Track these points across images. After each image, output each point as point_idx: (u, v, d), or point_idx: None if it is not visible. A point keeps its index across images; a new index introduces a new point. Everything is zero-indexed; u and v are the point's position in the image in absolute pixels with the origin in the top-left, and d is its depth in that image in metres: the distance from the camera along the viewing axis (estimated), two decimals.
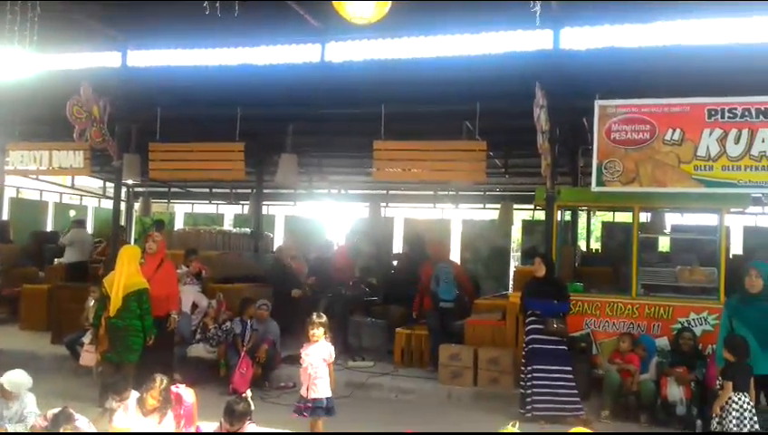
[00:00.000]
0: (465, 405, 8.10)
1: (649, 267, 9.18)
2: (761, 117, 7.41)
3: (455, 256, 15.18)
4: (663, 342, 8.14)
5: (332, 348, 6.31)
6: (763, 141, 7.40)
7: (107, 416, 5.90)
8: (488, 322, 9.27)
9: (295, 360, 7.13)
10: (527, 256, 14.55)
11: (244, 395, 5.58)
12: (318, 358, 6.13)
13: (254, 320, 8.76)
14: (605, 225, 16.97)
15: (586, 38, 8.84)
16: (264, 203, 16.95)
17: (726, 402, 5.92)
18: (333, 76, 9.65)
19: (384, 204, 17.69)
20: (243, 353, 8.08)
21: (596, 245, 17.99)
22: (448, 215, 18.29)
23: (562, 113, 8.52)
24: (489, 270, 15.56)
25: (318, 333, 6.18)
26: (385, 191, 17.45)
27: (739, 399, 5.91)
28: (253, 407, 5.41)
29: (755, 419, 5.87)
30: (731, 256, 13.29)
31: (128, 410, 5.70)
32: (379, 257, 15.19)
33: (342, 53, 9.89)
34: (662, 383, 7.44)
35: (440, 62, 9.19)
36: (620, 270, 10.01)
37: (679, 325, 8.15)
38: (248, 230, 15.69)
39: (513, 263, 17.15)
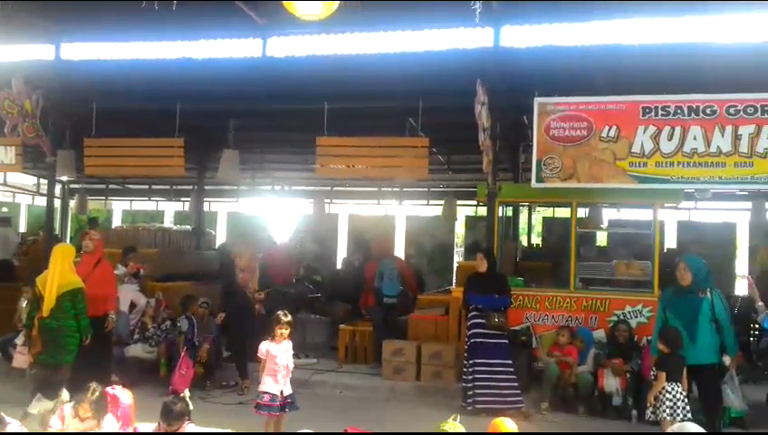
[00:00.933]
0: (408, 400, 8.15)
1: (587, 262, 9.41)
2: (692, 115, 7.65)
3: (399, 252, 15.31)
4: (600, 334, 8.33)
5: None
6: (694, 139, 7.64)
7: (35, 420, 5.70)
8: (431, 317, 9.35)
9: (252, 358, 7.11)
10: (470, 251, 14.72)
11: (182, 395, 5.48)
12: (289, 355, 6.23)
13: (197, 317, 8.63)
14: (546, 220, 17.31)
15: (526, 36, 8.98)
16: (206, 199, 16.66)
17: (660, 392, 6.10)
18: (275, 71, 9.55)
19: (328, 200, 17.62)
20: (183, 353, 7.93)
21: (537, 240, 18.30)
22: (393, 211, 18.36)
23: (503, 110, 8.62)
24: (433, 266, 15.73)
25: (286, 331, 6.25)
26: (329, 187, 17.37)
27: (672, 389, 6.09)
28: (191, 407, 5.30)
29: (688, 408, 6.06)
30: (665, 250, 13.77)
31: (63, 415, 5.54)
32: (323, 254, 15.14)
33: (285, 48, 9.80)
34: (599, 375, 7.63)
35: (383, 59, 9.19)
36: (560, 265, 10.21)
37: (615, 318, 8.36)
38: (189, 227, 15.40)
39: (457, 258, 17.33)
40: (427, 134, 9.11)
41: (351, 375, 8.89)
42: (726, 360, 6.46)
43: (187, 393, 5.65)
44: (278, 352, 6.18)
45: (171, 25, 9.21)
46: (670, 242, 15.30)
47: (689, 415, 6.03)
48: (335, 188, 17.35)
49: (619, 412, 7.48)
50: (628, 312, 8.43)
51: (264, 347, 6.22)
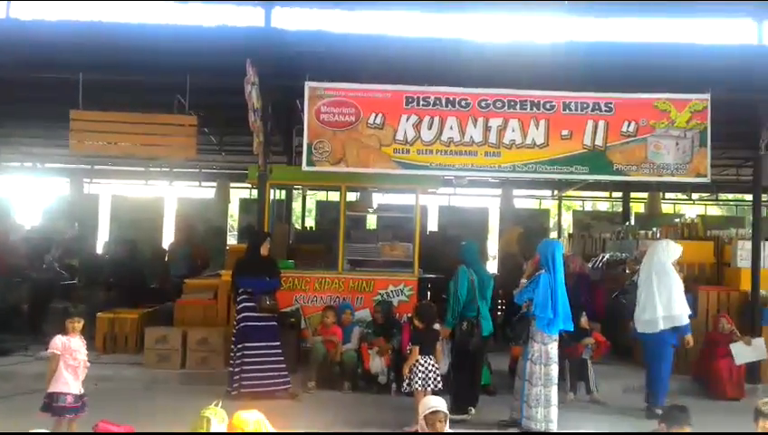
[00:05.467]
0: (171, 388, 7.83)
1: (357, 244, 9.75)
2: (449, 106, 8.17)
3: (169, 234, 14.69)
4: (365, 313, 8.69)
5: None
6: (451, 128, 8.17)
7: None
8: (199, 302, 9.09)
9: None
10: (243, 234, 14.56)
11: None
12: (84, 352, 5.76)
13: None
14: (319, 204, 17.64)
15: (298, 19, 9.00)
16: None
17: (414, 365, 6.51)
18: (20, 35, 8.53)
19: (88, 180, 16.34)
20: None
21: (311, 223, 18.60)
22: (163, 192, 17.54)
23: (275, 92, 8.55)
24: (206, 248, 15.27)
25: (79, 324, 5.78)
26: (89, 166, 16.09)
27: (425, 361, 6.53)
28: None
29: (439, 378, 6.57)
30: (428, 233, 14.71)
31: None
32: (81, 238, 14.01)
33: (31, 10, 8.83)
34: (364, 355, 7.93)
35: (146, 30, 8.62)
36: (332, 247, 10.44)
37: (380, 297, 8.77)
38: None
39: (231, 241, 17.05)
40: (197, 113, 8.77)
41: (110, 366, 8.33)
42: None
43: None
44: (77, 347, 5.69)
45: None
46: (433, 225, 16.39)
47: (440, 386, 6.53)
48: (96, 167, 16.12)
49: (382, 388, 7.85)
50: (391, 291, 8.89)
51: (60, 342, 5.65)
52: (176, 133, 8.73)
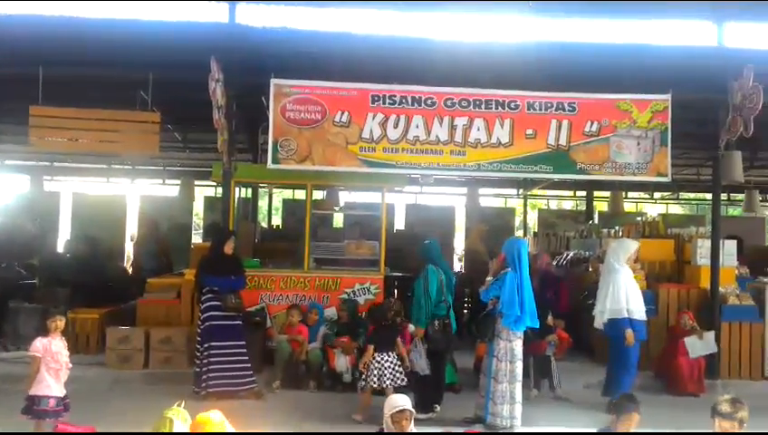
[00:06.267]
0: (133, 389, 7.70)
1: (323, 242, 9.73)
2: (415, 104, 8.17)
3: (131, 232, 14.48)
4: (331, 312, 8.66)
5: None
6: (417, 127, 8.16)
7: None
8: (162, 301, 8.98)
9: None
10: (208, 232, 14.41)
11: None
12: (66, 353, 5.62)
13: None
14: (286, 202, 17.55)
15: (262, 16, 8.91)
16: None
17: (370, 362, 6.69)
18: None
19: (49, 177, 16.02)
20: None
21: (278, 221, 18.49)
22: (126, 190, 17.28)
23: (239, 89, 8.47)
24: (171, 247, 15.08)
25: (61, 323, 5.66)
26: (50, 163, 15.77)
27: (382, 359, 6.72)
28: None
29: (396, 375, 6.72)
30: (395, 231, 14.74)
31: None
32: (41, 236, 13.74)
33: None
34: (329, 354, 7.91)
35: (108, 24, 8.47)
36: (298, 246, 10.41)
37: (346, 296, 8.75)
38: None
39: (197, 239, 16.88)
40: (160, 109, 8.65)
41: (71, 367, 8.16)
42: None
43: None
44: (59, 349, 5.56)
45: None
46: (399, 223, 16.43)
47: (398, 383, 6.69)
48: (57, 164, 15.81)
49: (347, 386, 7.84)
50: (358, 289, 8.89)
51: (41, 344, 5.50)
52: (138, 130, 8.59)
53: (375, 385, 6.64)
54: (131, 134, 8.58)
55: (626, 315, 7.31)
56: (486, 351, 6.85)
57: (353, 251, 9.45)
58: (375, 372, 6.65)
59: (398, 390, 6.37)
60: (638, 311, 7.39)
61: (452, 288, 7.39)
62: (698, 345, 8.41)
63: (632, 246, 7.80)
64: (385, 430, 4.57)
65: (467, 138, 8.15)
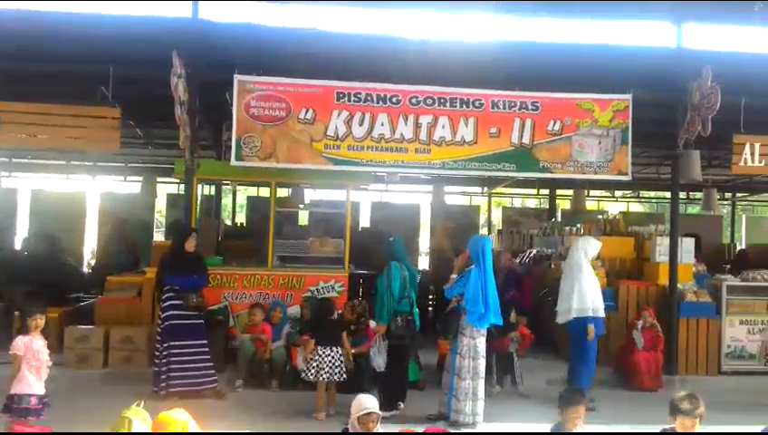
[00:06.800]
0: (92, 389, 7.56)
1: (288, 240, 9.66)
2: (380, 102, 8.17)
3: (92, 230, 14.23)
4: (295, 310, 8.61)
5: None
6: (382, 125, 8.17)
7: None
8: (122, 299, 8.83)
9: None
10: (170, 229, 14.23)
11: None
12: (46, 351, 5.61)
13: None
14: (250, 199, 17.41)
15: (226, 11, 8.82)
16: None
17: (311, 356, 6.88)
18: None
19: (6, 173, 15.66)
20: None
21: (242, 219, 18.33)
22: (86, 187, 16.96)
23: (202, 85, 8.36)
24: (133, 244, 14.86)
25: (41, 321, 5.63)
26: (8, 159, 15.40)
27: (323, 353, 6.87)
28: None
29: (335, 370, 6.84)
30: (360, 229, 14.72)
31: None
32: None
33: None
34: (292, 352, 7.86)
35: (66, 19, 8.30)
36: (262, 243, 10.33)
37: (310, 293, 8.71)
38: None
39: (159, 237, 16.66)
40: (122, 105, 8.49)
41: None
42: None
43: None
44: (39, 347, 5.50)
45: None
46: (365, 221, 16.41)
47: (336, 378, 6.85)
48: (15, 160, 15.44)
49: (308, 384, 7.78)
50: (322, 287, 8.85)
51: (22, 343, 5.44)
52: (98, 126, 8.39)
53: (312, 378, 6.82)
54: (91, 130, 8.37)
55: (590, 314, 7.42)
56: (450, 348, 6.88)
57: (318, 249, 9.41)
58: (314, 365, 6.83)
59: (361, 389, 6.34)
60: (599, 308, 7.51)
61: (416, 285, 7.40)
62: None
63: (598, 243, 7.91)
64: (350, 430, 4.55)
65: (432, 136, 8.18)
